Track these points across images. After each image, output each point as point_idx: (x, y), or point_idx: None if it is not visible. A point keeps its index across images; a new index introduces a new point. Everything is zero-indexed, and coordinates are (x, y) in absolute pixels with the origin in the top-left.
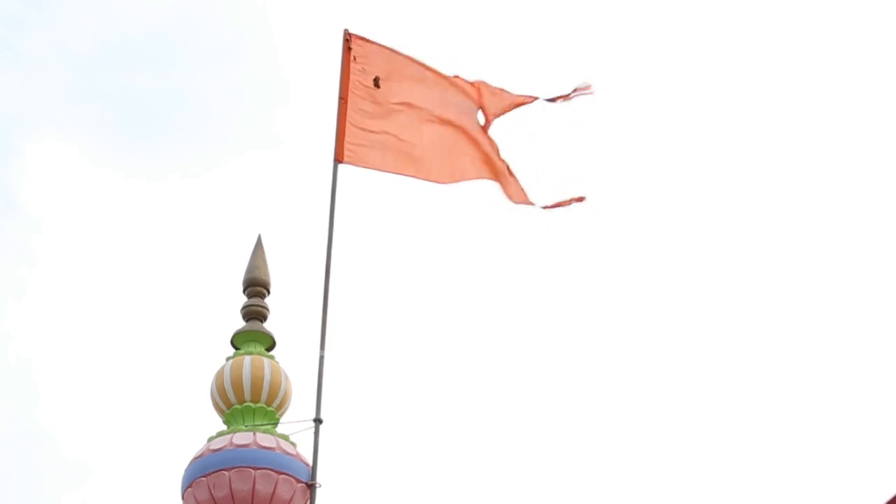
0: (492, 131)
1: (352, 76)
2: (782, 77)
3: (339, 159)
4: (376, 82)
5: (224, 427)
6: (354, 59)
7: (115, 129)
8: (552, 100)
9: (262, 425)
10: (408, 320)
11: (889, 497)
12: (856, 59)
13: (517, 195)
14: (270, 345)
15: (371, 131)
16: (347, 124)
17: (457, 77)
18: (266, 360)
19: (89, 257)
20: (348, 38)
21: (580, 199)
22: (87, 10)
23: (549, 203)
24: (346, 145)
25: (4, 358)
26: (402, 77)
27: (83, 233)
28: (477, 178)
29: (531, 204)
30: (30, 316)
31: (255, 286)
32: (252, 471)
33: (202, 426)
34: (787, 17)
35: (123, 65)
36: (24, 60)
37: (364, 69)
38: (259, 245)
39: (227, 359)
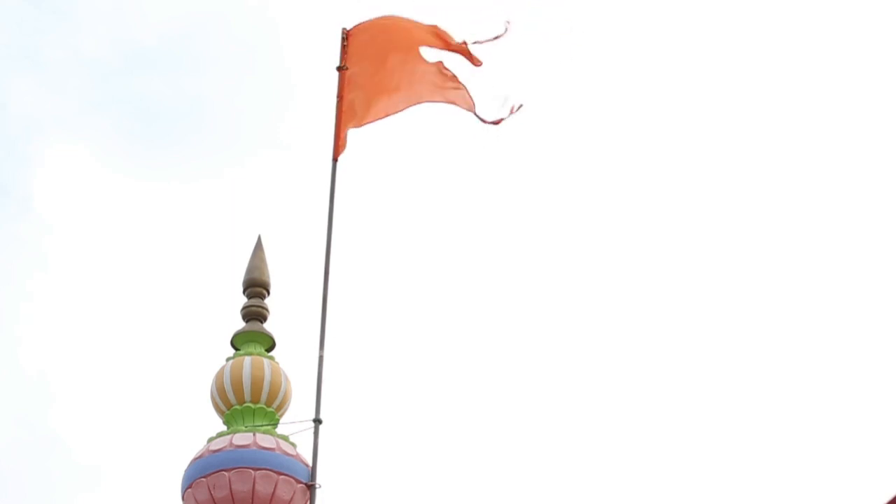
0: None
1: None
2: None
3: (336, 157)
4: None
5: (224, 428)
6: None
7: (128, 134)
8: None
9: (261, 426)
10: (407, 320)
11: (889, 497)
12: (852, 58)
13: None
14: (270, 345)
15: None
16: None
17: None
18: (266, 361)
19: (100, 260)
20: (346, 38)
21: (518, 108)
22: (101, 17)
23: (492, 119)
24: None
25: (15, 360)
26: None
27: (95, 236)
28: (438, 100)
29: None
30: (41, 319)
31: (255, 287)
32: (252, 471)
33: (202, 427)
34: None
35: (136, 71)
36: (39, 65)
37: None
38: (259, 245)
39: (227, 359)
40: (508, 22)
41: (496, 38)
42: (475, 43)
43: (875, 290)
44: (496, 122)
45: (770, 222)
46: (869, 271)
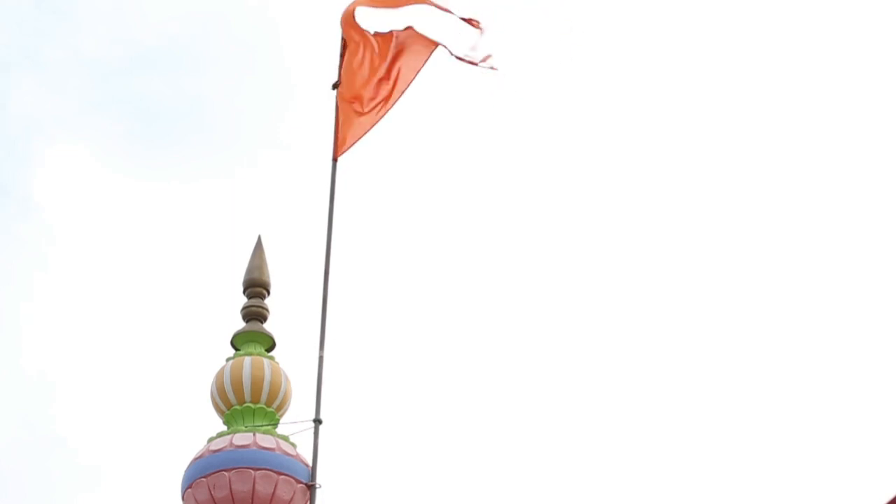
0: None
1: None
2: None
3: (336, 157)
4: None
5: (224, 428)
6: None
7: (128, 134)
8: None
9: (262, 426)
10: (408, 320)
11: (889, 497)
12: (849, 57)
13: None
14: (270, 345)
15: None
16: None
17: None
18: (266, 361)
19: (100, 260)
20: (346, 38)
21: (492, 67)
22: (101, 17)
23: (462, 56)
24: (340, 139)
25: (15, 360)
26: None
27: (95, 236)
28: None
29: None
30: (41, 319)
31: (255, 287)
32: (252, 471)
33: (202, 427)
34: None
35: (136, 71)
36: (39, 65)
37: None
38: (259, 246)
39: (227, 359)
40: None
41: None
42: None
43: (875, 290)
44: (466, 61)
45: (770, 222)
46: (869, 271)
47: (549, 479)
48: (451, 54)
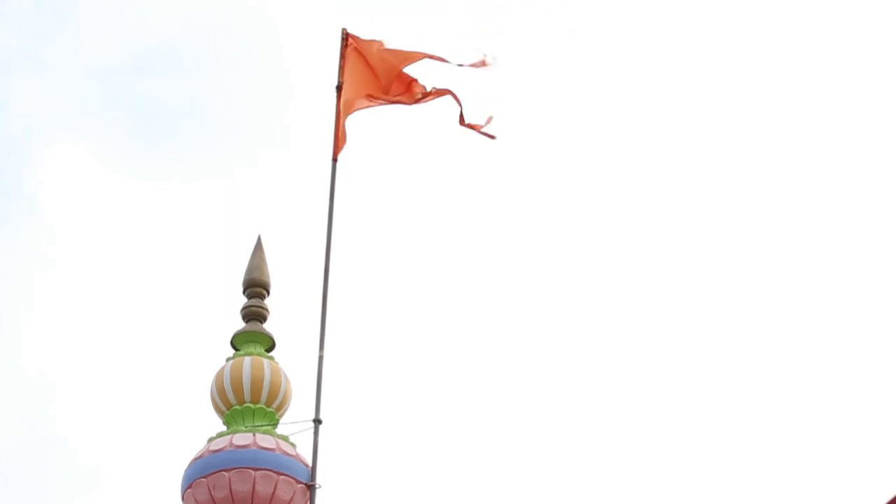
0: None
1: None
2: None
3: (335, 157)
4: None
5: (224, 428)
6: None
7: (128, 134)
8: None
9: (261, 426)
10: (407, 320)
11: (889, 497)
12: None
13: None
14: (270, 345)
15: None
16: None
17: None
18: (266, 361)
19: (100, 260)
20: (346, 38)
21: (491, 137)
22: (101, 17)
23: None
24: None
25: (15, 360)
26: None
27: (95, 236)
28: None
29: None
30: (41, 319)
31: (255, 287)
32: (252, 472)
33: (202, 427)
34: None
35: (136, 71)
36: (39, 65)
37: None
38: (259, 246)
39: (227, 360)
40: (487, 55)
41: (477, 64)
42: (459, 65)
43: (875, 290)
44: (472, 127)
45: (770, 222)
46: (869, 271)
47: (549, 478)
48: (461, 120)
